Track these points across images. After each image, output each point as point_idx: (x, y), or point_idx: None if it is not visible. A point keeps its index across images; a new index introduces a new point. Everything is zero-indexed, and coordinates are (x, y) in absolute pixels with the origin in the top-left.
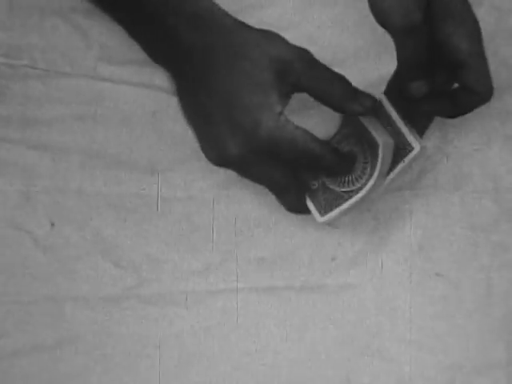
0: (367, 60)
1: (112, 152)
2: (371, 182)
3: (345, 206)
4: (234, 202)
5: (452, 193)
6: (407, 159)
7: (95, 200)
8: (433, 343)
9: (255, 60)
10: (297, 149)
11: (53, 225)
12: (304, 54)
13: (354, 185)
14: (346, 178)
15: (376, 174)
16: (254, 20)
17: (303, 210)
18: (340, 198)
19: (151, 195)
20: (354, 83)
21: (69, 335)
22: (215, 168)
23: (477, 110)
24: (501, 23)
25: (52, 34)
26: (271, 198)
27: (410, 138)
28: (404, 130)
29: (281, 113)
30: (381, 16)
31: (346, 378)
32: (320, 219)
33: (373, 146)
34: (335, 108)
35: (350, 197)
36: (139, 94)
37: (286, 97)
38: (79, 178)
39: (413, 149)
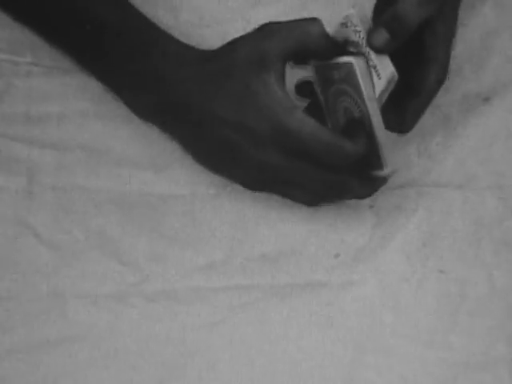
0: None
1: (116, 149)
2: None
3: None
4: (237, 199)
5: (455, 190)
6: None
7: (99, 197)
8: (436, 340)
9: (241, 67)
10: (323, 144)
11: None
12: (268, 27)
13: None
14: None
15: (365, 94)
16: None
17: (378, 184)
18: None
19: (155, 192)
20: None
21: (72, 332)
22: None
23: (480, 108)
24: (504, 20)
25: None
26: (274, 195)
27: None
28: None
29: (294, 107)
30: None
31: (349, 374)
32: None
33: (351, 77)
34: (318, 51)
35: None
36: None
37: (283, 77)
38: (83, 175)
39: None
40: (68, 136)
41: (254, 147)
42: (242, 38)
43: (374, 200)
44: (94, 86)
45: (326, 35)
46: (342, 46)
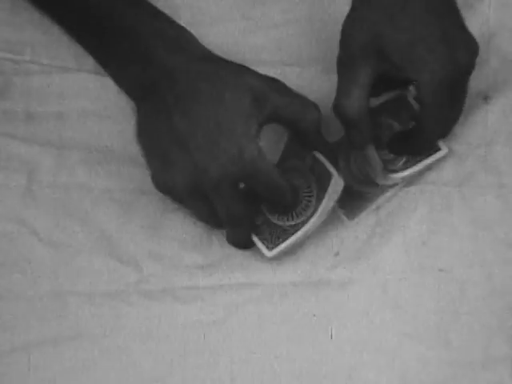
0: None
1: (115, 148)
2: (317, 214)
3: (292, 239)
4: None
5: (455, 189)
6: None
7: (98, 195)
8: (436, 338)
9: (237, 89)
10: (269, 181)
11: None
12: (278, 85)
13: (298, 218)
14: (290, 213)
15: (323, 206)
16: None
17: (250, 245)
18: (285, 233)
19: (154, 191)
20: None
21: (72, 330)
22: None
23: (480, 107)
24: (503, 19)
25: (55, 30)
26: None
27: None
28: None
29: (258, 144)
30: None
31: (348, 373)
32: (268, 254)
33: (322, 178)
34: (305, 136)
35: (296, 231)
36: None
37: (261, 128)
38: (83, 174)
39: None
40: (68, 134)
41: (205, 158)
42: (252, 72)
43: (374, 199)
44: (94, 84)
45: (318, 126)
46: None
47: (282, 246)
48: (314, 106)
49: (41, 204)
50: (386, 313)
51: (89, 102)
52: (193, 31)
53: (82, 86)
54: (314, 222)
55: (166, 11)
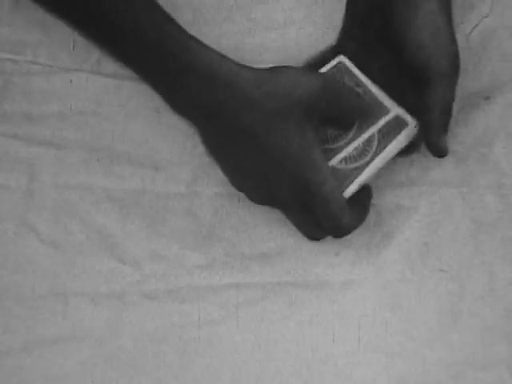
0: None
1: (115, 148)
2: (382, 155)
3: (361, 177)
4: (237, 198)
5: (456, 189)
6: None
7: (99, 195)
8: (436, 339)
9: (286, 107)
10: (333, 208)
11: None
12: (321, 84)
13: (361, 159)
14: (353, 154)
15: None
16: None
17: (323, 237)
18: (350, 176)
19: (155, 191)
20: None
21: (73, 331)
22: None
23: (480, 106)
24: (503, 18)
25: (55, 30)
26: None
27: (382, 98)
28: (374, 89)
29: (325, 164)
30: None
31: (348, 373)
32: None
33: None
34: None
35: (359, 173)
36: (143, 90)
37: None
38: (83, 174)
39: (389, 111)
40: (68, 135)
41: (270, 176)
42: (295, 74)
43: (374, 199)
44: (94, 84)
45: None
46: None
47: (352, 186)
48: (357, 94)
49: (41, 204)
50: (386, 313)
51: (89, 103)
52: (193, 32)
53: (82, 86)
54: (376, 163)
55: (166, 11)
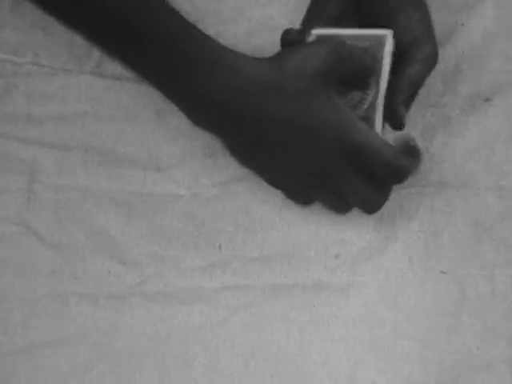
0: None
1: (116, 149)
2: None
3: (378, 110)
4: (238, 199)
5: (456, 190)
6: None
7: (99, 197)
8: (437, 340)
9: (305, 83)
10: (383, 157)
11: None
12: (331, 49)
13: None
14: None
15: (385, 67)
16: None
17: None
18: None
19: (155, 192)
20: None
21: (73, 332)
22: (219, 165)
23: (481, 108)
24: (504, 20)
25: (56, 31)
26: (275, 195)
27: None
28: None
29: (359, 121)
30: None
31: (350, 374)
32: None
33: (378, 47)
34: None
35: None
36: (143, 92)
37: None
38: (83, 176)
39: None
40: (69, 136)
41: (316, 153)
42: (302, 50)
43: None
44: (95, 86)
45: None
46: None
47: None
48: (363, 53)
49: (42, 206)
50: (386, 314)
51: (90, 104)
52: None
53: (83, 87)
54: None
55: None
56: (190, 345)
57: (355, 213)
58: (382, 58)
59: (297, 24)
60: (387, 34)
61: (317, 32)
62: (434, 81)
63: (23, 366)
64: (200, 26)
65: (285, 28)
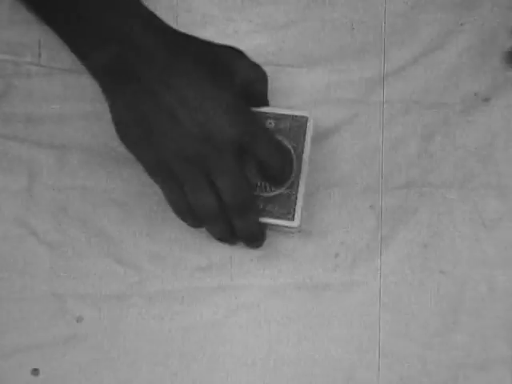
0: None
1: (116, 149)
2: (305, 169)
3: (300, 197)
4: None
5: (456, 190)
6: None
7: (99, 197)
8: (436, 340)
9: (213, 62)
10: (270, 137)
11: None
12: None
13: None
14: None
15: (306, 152)
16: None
17: (263, 234)
18: (289, 197)
19: (154, 192)
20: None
21: (72, 332)
22: None
23: (480, 108)
24: (503, 21)
25: None
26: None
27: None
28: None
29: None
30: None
31: (349, 374)
32: (295, 223)
33: (298, 129)
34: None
35: (296, 188)
36: None
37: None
38: (83, 176)
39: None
40: (68, 136)
41: (195, 125)
42: (219, 45)
43: (374, 201)
44: (94, 86)
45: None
46: None
47: (298, 207)
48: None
49: (41, 206)
50: (386, 314)
51: (89, 104)
52: (191, 32)
53: (82, 87)
54: (305, 170)
55: (164, 11)
56: (189, 345)
57: (355, 213)
58: (303, 140)
59: (297, 24)
60: (308, 117)
61: None
62: (433, 81)
63: (22, 366)
64: (197, 25)
65: (283, 27)
